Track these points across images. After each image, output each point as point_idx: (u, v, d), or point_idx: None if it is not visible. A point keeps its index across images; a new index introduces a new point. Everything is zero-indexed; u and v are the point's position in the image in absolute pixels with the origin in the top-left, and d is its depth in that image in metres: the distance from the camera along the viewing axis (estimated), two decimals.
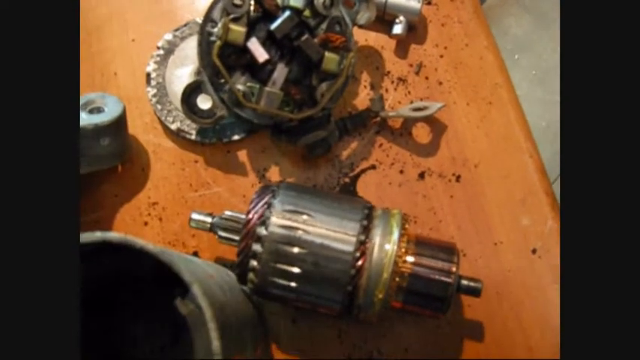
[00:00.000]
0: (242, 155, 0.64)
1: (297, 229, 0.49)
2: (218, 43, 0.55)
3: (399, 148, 0.63)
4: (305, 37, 0.56)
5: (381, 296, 0.49)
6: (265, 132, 0.63)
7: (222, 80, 0.56)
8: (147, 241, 0.40)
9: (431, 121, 0.63)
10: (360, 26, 0.60)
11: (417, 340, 0.58)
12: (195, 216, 0.55)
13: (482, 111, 0.63)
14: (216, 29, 0.55)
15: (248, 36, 0.56)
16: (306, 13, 0.57)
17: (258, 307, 0.58)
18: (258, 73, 0.57)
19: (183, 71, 0.65)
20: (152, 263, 0.39)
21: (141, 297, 0.54)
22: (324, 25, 0.57)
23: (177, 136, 0.64)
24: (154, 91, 0.64)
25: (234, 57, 0.56)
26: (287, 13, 0.56)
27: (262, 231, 0.49)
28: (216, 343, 0.37)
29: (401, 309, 0.52)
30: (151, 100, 0.64)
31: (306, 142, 0.59)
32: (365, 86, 0.65)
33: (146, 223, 0.62)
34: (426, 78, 0.64)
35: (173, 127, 0.63)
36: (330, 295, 0.49)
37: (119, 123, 0.59)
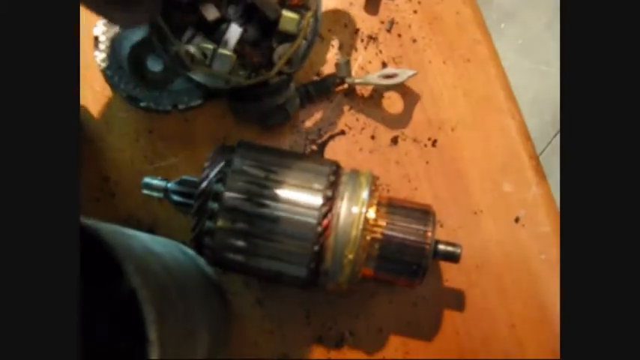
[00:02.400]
0: (200, 123, 0.58)
1: (258, 183, 0.45)
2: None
3: (370, 111, 0.57)
4: None
5: (351, 257, 0.44)
6: (225, 98, 0.58)
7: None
8: (97, 219, 0.36)
9: (402, 88, 0.58)
10: None
11: (392, 318, 0.53)
12: (147, 180, 0.50)
13: (459, 69, 0.58)
14: None
15: None
16: None
17: (220, 287, 0.54)
18: (213, 33, 0.52)
19: (136, 32, 0.60)
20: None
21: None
22: None
23: (130, 105, 0.58)
24: (103, 55, 0.59)
25: (181, 15, 0.51)
26: None
27: (220, 187, 0.45)
28: (152, 331, 0.32)
29: (373, 278, 0.48)
30: (100, 65, 0.59)
31: (259, 108, 0.54)
32: (333, 47, 0.60)
33: (98, 200, 0.57)
34: (399, 35, 0.59)
35: (125, 94, 0.58)
36: (295, 258, 0.45)
37: None
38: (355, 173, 0.47)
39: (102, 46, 0.59)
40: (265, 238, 0.45)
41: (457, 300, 0.54)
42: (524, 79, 1.90)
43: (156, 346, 0.32)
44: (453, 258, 0.48)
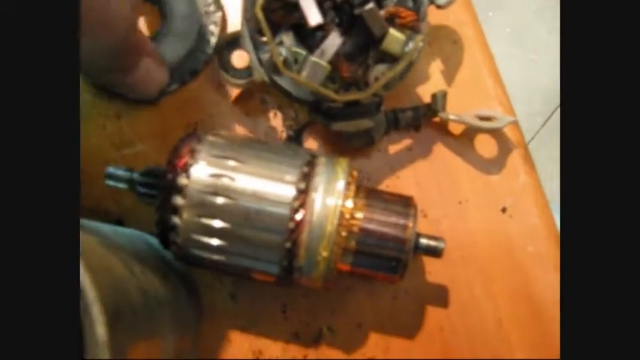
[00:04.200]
0: (171, 108, 0.55)
1: (225, 176, 0.41)
2: None
3: None
4: (370, 5, 0.46)
5: (325, 254, 0.41)
6: (197, 81, 0.55)
7: (264, 38, 0.47)
8: None
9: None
10: (439, 6, 0.50)
11: (372, 313, 0.51)
12: (111, 170, 0.47)
13: (445, 52, 0.55)
14: None
15: None
16: None
17: (190, 281, 0.51)
18: (308, 38, 0.48)
19: None
20: None
21: None
22: None
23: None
24: None
25: (282, 14, 0.47)
26: None
27: (184, 180, 0.42)
28: (99, 329, 0.29)
29: (350, 273, 0.45)
30: None
31: (344, 128, 0.49)
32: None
33: None
34: None
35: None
36: (266, 255, 0.42)
37: None
38: (331, 162, 0.44)
39: None
40: (233, 235, 0.42)
41: (441, 294, 0.51)
42: (513, 68, 1.88)
43: (105, 347, 0.29)
44: (436, 253, 0.45)
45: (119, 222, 0.54)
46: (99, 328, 0.29)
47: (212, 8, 0.55)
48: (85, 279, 0.30)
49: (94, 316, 0.29)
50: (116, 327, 0.31)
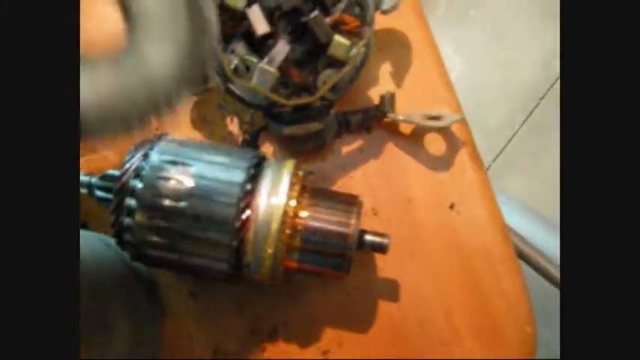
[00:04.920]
0: None
1: (173, 179, 0.43)
2: (214, 3, 0.47)
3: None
4: (315, 13, 0.48)
5: (270, 251, 0.43)
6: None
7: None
8: None
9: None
10: (384, 12, 0.52)
11: (325, 308, 0.53)
12: None
13: (395, 55, 0.57)
14: None
15: (251, 2, 0.48)
16: None
17: (150, 281, 0.53)
18: (260, 46, 0.49)
19: None
20: None
21: None
22: (342, 5, 0.49)
23: None
24: None
25: (232, 24, 0.49)
26: None
27: (137, 184, 0.44)
28: None
29: (298, 270, 0.47)
30: None
31: (295, 132, 0.51)
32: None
33: None
34: None
35: None
36: (215, 253, 0.44)
37: None
38: (278, 164, 0.46)
39: None
40: (184, 235, 0.44)
41: (391, 288, 0.53)
42: (494, 65, 1.90)
43: None
44: (381, 249, 0.47)
45: (83, 226, 0.56)
46: None
47: None
48: None
49: None
50: None
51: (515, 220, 0.68)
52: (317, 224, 0.45)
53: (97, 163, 0.56)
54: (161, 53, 0.35)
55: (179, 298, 0.53)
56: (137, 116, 0.34)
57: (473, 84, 1.92)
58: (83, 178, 0.49)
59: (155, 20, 0.35)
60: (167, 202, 0.43)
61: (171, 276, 0.54)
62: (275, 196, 0.44)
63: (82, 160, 0.56)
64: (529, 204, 1.32)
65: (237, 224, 0.43)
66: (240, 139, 0.56)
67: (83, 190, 0.50)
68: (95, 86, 0.33)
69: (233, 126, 0.56)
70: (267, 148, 0.56)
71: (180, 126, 0.57)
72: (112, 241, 0.51)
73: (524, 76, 1.91)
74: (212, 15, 0.36)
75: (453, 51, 1.85)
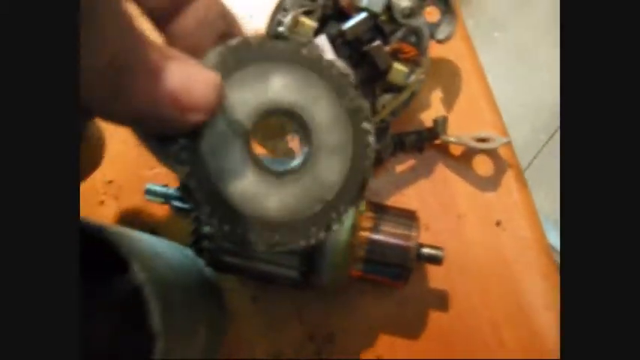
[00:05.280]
0: None
1: None
2: (286, 35, 0.52)
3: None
4: (376, 43, 0.52)
5: (339, 260, 0.47)
6: None
7: None
8: (103, 220, 0.38)
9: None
10: (439, 41, 0.56)
11: (380, 316, 0.56)
12: (150, 187, 0.54)
13: (445, 82, 0.62)
14: (286, 19, 0.52)
15: (318, 32, 0.52)
16: (383, 18, 0.53)
17: (217, 287, 0.57)
18: None
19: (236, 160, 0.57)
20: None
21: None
22: (399, 34, 0.53)
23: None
24: None
25: None
26: (363, 15, 0.52)
27: None
28: (156, 324, 0.35)
29: (361, 278, 0.51)
30: None
31: None
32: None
33: (102, 202, 0.60)
34: None
35: None
36: (288, 261, 0.48)
37: None
38: None
39: None
40: None
41: (441, 299, 0.57)
42: (517, 86, 1.94)
43: (162, 337, 0.35)
44: (437, 260, 0.51)
45: (153, 232, 0.60)
46: (155, 322, 0.35)
47: (357, 102, 0.40)
48: (142, 276, 0.36)
49: (151, 309, 0.35)
50: (165, 322, 0.37)
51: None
52: (381, 237, 0.49)
53: (166, 176, 0.60)
54: (334, 169, 0.38)
55: (241, 302, 0.57)
56: (314, 225, 0.38)
57: (497, 103, 1.96)
58: (161, 189, 0.54)
59: (328, 135, 0.38)
60: None
61: (234, 281, 0.57)
62: None
63: (150, 173, 0.61)
64: (552, 219, 1.35)
65: None
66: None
67: (161, 200, 0.54)
68: (283, 198, 0.37)
69: (294, 144, 0.60)
70: None
71: None
72: (185, 250, 0.56)
73: (547, 96, 1.95)
74: (371, 137, 0.38)
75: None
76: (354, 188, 0.39)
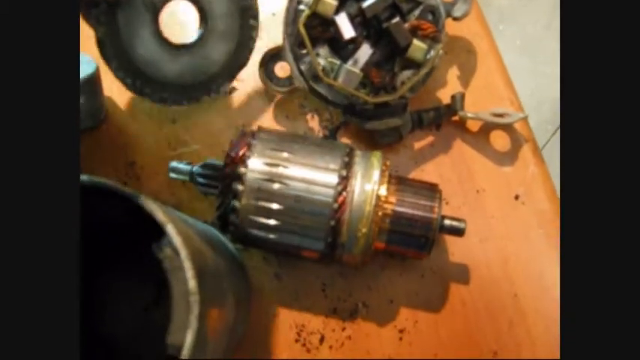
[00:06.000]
0: (220, 112, 0.62)
1: (278, 165, 0.49)
2: (307, 12, 0.53)
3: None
4: (395, 20, 0.53)
5: (364, 230, 0.48)
6: (242, 89, 0.62)
7: (304, 51, 0.55)
8: None
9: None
10: (455, 18, 0.57)
11: (402, 290, 0.57)
12: (174, 164, 0.55)
13: (461, 59, 0.62)
14: None
15: (338, 10, 0.53)
16: None
17: (241, 263, 0.57)
18: (341, 49, 0.55)
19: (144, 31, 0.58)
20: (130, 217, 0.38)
21: (120, 251, 0.53)
22: (417, 12, 0.54)
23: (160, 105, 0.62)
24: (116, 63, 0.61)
25: (320, 29, 0.54)
26: None
27: (243, 169, 0.49)
28: (192, 283, 0.36)
29: (384, 250, 0.51)
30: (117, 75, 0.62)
31: (376, 127, 0.57)
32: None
33: (125, 183, 0.61)
34: None
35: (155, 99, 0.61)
36: (313, 233, 0.49)
37: (92, 82, 0.58)
38: (367, 154, 0.51)
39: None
40: (286, 215, 0.48)
41: (462, 272, 0.57)
42: (523, 79, 1.94)
43: (196, 297, 0.36)
44: (459, 232, 0.52)
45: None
46: (191, 282, 0.36)
47: (248, 2, 0.58)
48: (178, 240, 0.37)
49: (186, 271, 0.36)
50: (200, 287, 0.37)
51: None
52: (404, 209, 0.50)
53: (188, 156, 0.61)
54: (221, 50, 0.58)
55: (265, 280, 0.58)
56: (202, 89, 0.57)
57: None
58: (185, 166, 0.55)
59: (220, 22, 0.57)
60: (272, 186, 0.48)
61: (257, 257, 0.58)
62: (368, 181, 0.49)
63: (173, 153, 0.62)
64: None
65: (335, 205, 0.48)
66: (321, 134, 0.61)
67: (184, 177, 0.55)
68: (177, 66, 0.57)
69: (313, 122, 0.61)
70: (345, 143, 0.61)
71: (265, 124, 0.62)
72: (209, 227, 0.56)
73: (552, 89, 1.95)
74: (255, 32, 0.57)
75: None
76: (234, 68, 0.57)
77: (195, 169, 0.54)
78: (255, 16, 0.58)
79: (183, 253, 0.37)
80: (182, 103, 0.59)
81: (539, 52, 2.03)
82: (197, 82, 0.59)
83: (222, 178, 0.50)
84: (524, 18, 2.09)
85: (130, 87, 0.57)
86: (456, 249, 0.58)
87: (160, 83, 0.58)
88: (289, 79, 0.58)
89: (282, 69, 0.59)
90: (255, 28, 0.58)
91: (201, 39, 0.57)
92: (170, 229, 0.37)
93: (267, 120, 0.62)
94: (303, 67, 0.56)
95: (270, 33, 0.64)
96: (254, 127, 0.61)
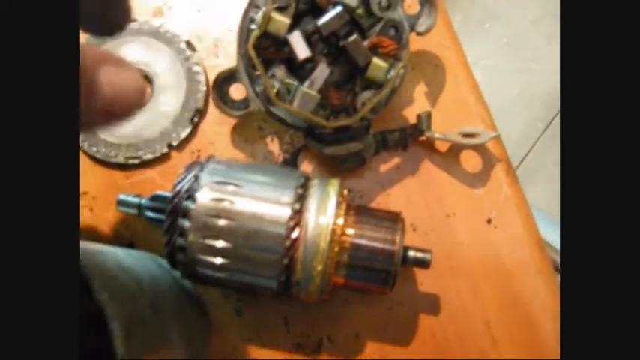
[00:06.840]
0: None
1: (225, 200, 0.45)
2: (256, 32, 0.49)
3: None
4: (353, 37, 0.50)
5: (320, 268, 0.45)
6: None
7: (258, 72, 0.51)
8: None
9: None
10: (419, 33, 0.54)
11: (368, 323, 0.54)
12: (122, 197, 0.52)
13: (428, 75, 0.59)
14: (257, 16, 0.50)
15: (292, 28, 0.50)
16: (360, 11, 0.50)
17: (198, 298, 0.54)
18: (298, 70, 0.51)
19: None
20: None
21: None
22: (378, 28, 0.51)
23: None
24: None
25: (273, 50, 0.50)
26: (338, 9, 0.49)
27: (189, 205, 0.46)
28: (120, 343, 0.33)
29: (344, 285, 0.48)
30: None
31: (337, 152, 0.53)
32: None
33: None
34: None
35: None
36: (265, 271, 0.46)
37: None
38: (323, 183, 0.48)
39: None
40: (235, 253, 0.45)
41: (432, 302, 0.54)
42: (511, 77, 1.92)
43: (126, 355, 0.33)
44: (424, 264, 0.49)
45: (130, 245, 0.57)
46: (117, 340, 0.33)
47: (188, 52, 0.60)
48: (104, 296, 0.34)
49: (113, 328, 0.33)
50: (132, 340, 0.34)
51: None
52: (364, 241, 0.47)
53: (143, 184, 0.58)
54: (171, 102, 0.59)
55: (225, 315, 0.55)
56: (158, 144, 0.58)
57: (491, 95, 1.94)
58: (133, 199, 0.52)
59: (168, 84, 0.60)
60: (219, 222, 0.45)
61: (216, 293, 0.55)
62: (323, 214, 0.46)
63: (127, 182, 0.59)
64: (550, 213, 1.33)
65: (287, 243, 0.45)
66: (280, 158, 0.58)
67: (133, 211, 0.52)
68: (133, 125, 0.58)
69: (273, 146, 0.58)
70: (307, 167, 0.58)
71: (222, 148, 0.58)
72: (162, 260, 0.53)
73: (542, 86, 1.93)
74: (202, 76, 0.60)
75: (469, 64, 1.87)
76: (188, 115, 0.59)
77: (144, 202, 0.51)
78: (198, 63, 0.61)
79: (109, 310, 0.34)
80: (143, 158, 0.59)
81: (526, 49, 2.01)
82: (154, 137, 0.59)
83: (168, 214, 0.47)
84: (510, 15, 2.07)
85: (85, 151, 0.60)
86: (425, 278, 0.55)
87: (115, 145, 0.59)
88: (245, 102, 0.55)
89: (237, 91, 0.55)
90: (199, 73, 0.60)
91: (151, 97, 0.60)
92: (95, 284, 0.34)
93: (225, 144, 0.59)
94: (258, 90, 0.53)
95: (228, 50, 0.61)
96: (210, 153, 0.58)
